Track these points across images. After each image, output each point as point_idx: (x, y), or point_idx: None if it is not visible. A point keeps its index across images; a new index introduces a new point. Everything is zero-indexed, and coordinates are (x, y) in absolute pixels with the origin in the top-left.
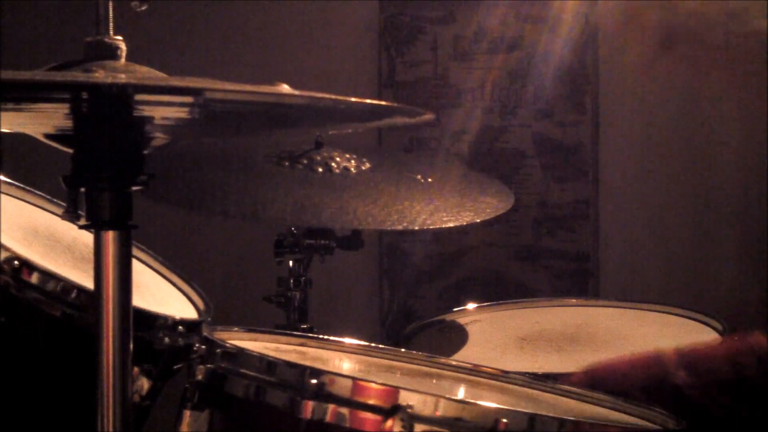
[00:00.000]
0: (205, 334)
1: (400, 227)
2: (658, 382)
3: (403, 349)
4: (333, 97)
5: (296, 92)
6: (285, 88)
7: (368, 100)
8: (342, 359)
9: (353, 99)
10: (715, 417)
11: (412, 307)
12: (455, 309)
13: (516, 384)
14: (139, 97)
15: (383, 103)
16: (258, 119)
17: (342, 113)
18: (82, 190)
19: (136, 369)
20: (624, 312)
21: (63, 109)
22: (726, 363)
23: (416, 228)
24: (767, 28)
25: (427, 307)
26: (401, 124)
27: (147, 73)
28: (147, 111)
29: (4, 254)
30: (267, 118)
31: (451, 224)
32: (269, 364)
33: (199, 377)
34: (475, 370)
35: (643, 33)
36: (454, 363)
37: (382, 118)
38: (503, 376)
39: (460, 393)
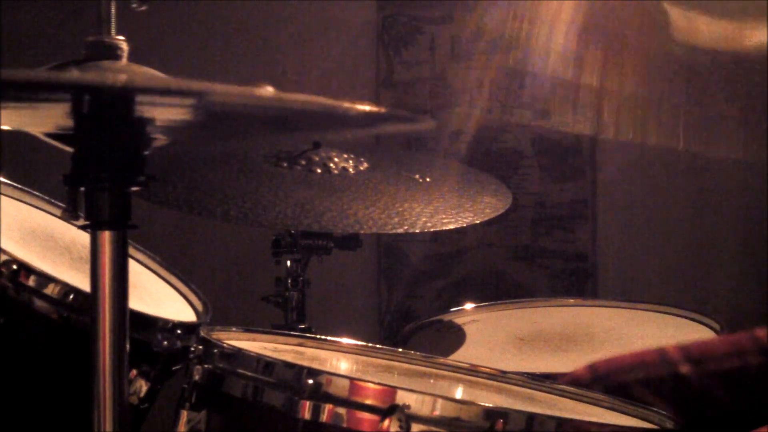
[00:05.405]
0: (202, 334)
1: (401, 230)
2: (661, 374)
3: (400, 349)
4: (330, 102)
5: (295, 97)
6: (269, 90)
7: (367, 107)
8: (339, 359)
9: (351, 105)
10: (718, 408)
11: (411, 307)
12: (453, 309)
13: (514, 384)
14: (139, 98)
15: (383, 110)
16: (252, 122)
17: (339, 119)
18: (82, 189)
19: (134, 371)
20: (622, 312)
21: (60, 108)
22: (729, 353)
23: (417, 231)
24: (767, 33)
25: (425, 307)
26: (400, 131)
27: (145, 74)
28: (146, 112)
29: (2, 257)
30: (260, 121)
31: (451, 226)
32: (267, 365)
33: (197, 377)
34: (473, 370)
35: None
36: (451, 363)
37: (381, 124)
38: (501, 376)
39: (458, 393)
